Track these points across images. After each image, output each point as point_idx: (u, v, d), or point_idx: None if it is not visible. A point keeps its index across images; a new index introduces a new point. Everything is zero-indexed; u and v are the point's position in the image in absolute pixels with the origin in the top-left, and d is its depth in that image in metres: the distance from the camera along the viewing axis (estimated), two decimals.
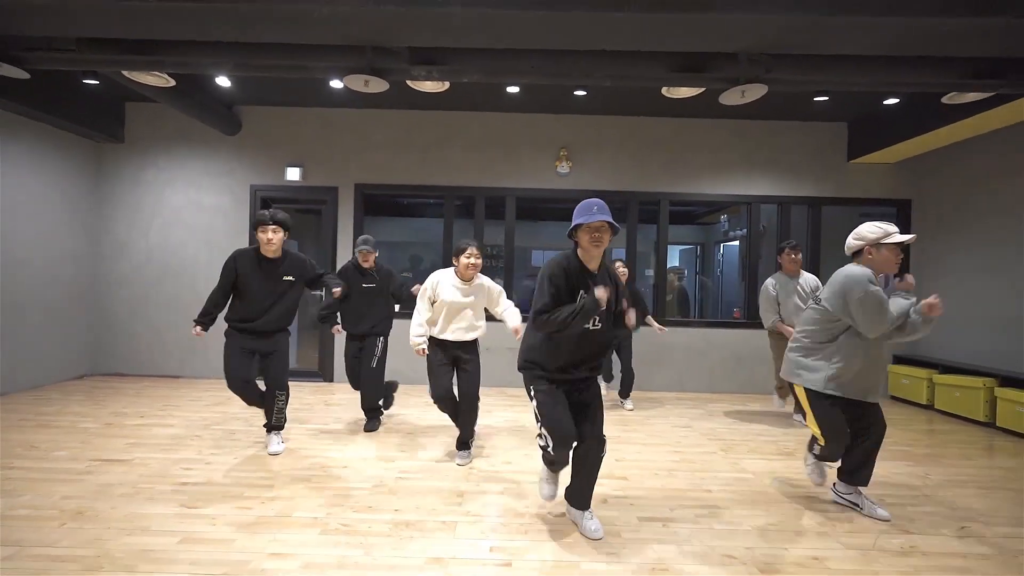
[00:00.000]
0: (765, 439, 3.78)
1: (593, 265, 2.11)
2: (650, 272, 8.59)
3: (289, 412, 4.13)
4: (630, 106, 5.17)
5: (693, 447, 3.54)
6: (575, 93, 3.90)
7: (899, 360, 5.39)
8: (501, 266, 8.07)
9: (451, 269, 3.09)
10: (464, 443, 3.17)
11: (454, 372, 3.11)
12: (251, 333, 3.01)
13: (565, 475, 2.39)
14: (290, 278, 3.05)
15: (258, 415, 4.03)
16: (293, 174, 5.38)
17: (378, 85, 3.29)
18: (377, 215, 8.17)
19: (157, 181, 5.44)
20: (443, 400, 3.04)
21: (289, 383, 3.23)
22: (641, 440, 3.69)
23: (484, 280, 3.14)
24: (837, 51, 3.34)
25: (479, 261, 3.03)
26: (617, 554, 2.09)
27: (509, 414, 4.34)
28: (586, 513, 2.27)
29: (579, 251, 2.11)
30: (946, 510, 2.61)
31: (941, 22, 2.96)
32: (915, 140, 4.58)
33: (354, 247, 3.79)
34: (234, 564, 1.95)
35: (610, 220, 2.00)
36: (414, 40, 3.19)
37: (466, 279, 3.05)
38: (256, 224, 2.97)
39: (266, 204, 5.56)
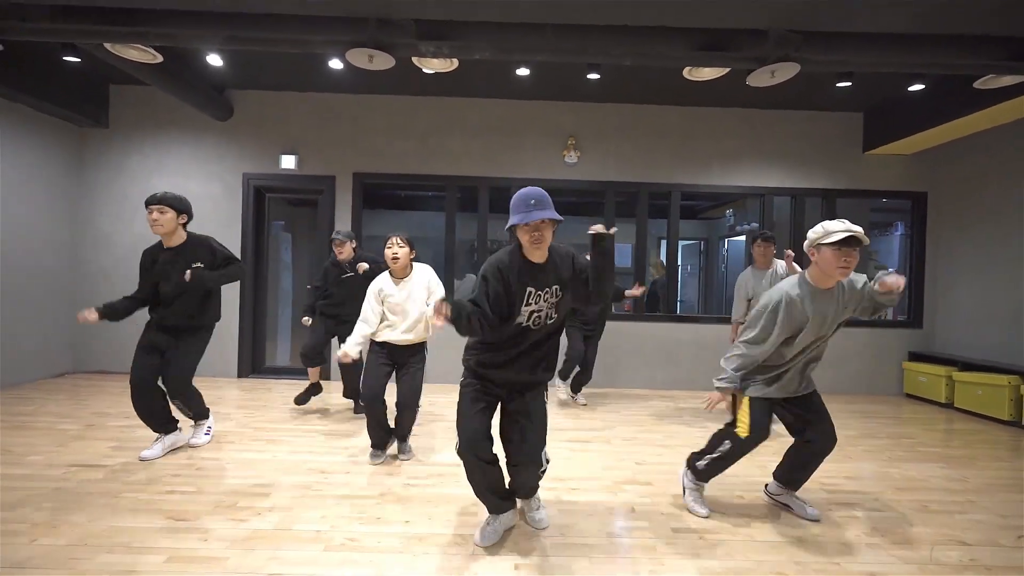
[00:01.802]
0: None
1: (537, 257, 1.90)
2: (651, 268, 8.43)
3: (287, 413, 3.91)
4: (640, 93, 4.97)
5: None
6: (588, 77, 3.68)
7: (915, 357, 5.24)
8: None
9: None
10: (402, 438, 3.01)
11: (391, 374, 2.90)
12: (158, 327, 2.84)
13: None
14: (199, 265, 2.79)
15: (253, 418, 3.80)
16: (288, 162, 5.12)
17: (383, 61, 3.06)
18: (375, 208, 7.91)
19: (143, 169, 5.16)
20: (370, 401, 2.78)
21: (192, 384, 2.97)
22: (659, 441, 3.51)
23: (421, 274, 2.90)
24: (869, 29, 3.15)
25: (400, 251, 2.80)
26: (657, 572, 1.89)
27: None
28: (531, 502, 2.22)
29: (521, 247, 1.90)
30: (996, 517, 2.44)
31: None
32: (938, 129, 4.42)
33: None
34: None
35: (551, 216, 1.80)
36: (421, 13, 2.96)
37: (396, 275, 2.86)
38: (147, 205, 2.74)
39: (260, 193, 5.30)
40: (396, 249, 2.81)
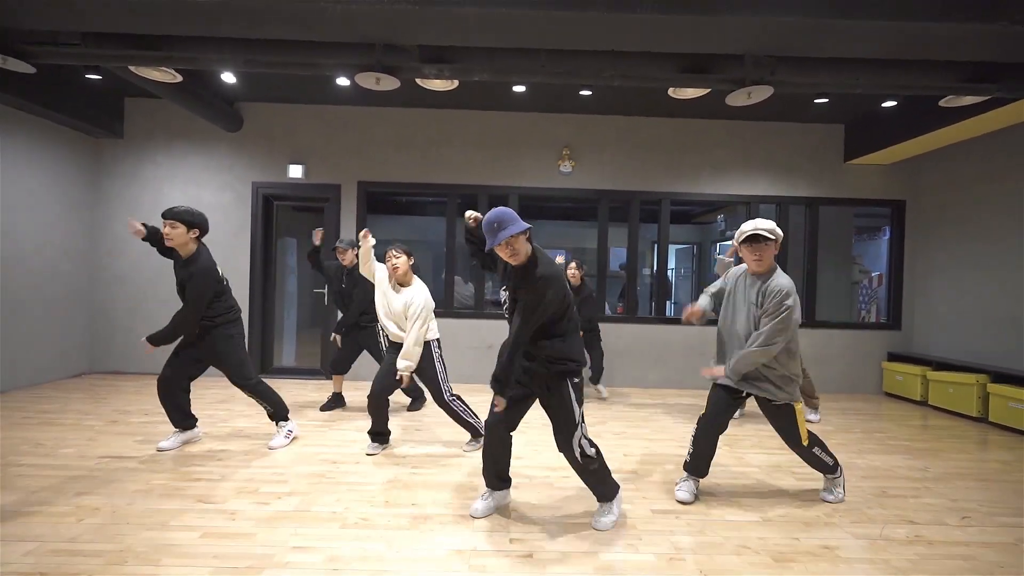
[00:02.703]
0: (765, 434, 3.85)
1: (516, 261, 2.10)
2: (647, 271, 8.70)
3: (297, 411, 4.13)
4: (632, 106, 5.23)
5: None
6: (580, 93, 3.93)
7: (893, 357, 5.50)
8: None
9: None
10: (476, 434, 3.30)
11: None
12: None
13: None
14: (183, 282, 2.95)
15: (265, 416, 4.02)
16: (295, 171, 5.36)
17: (389, 83, 3.31)
18: (376, 213, 8.15)
19: (156, 177, 5.39)
20: (374, 395, 3.07)
21: (258, 379, 3.21)
22: (646, 435, 3.75)
23: (414, 292, 3.06)
24: (839, 54, 3.41)
25: (398, 260, 3.03)
26: (634, 545, 2.13)
27: None
28: (598, 508, 2.35)
29: None
30: (947, 501, 2.69)
31: (940, 27, 3.05)
32: (911, 142, 4.69)
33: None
34: (259, 557, 1.96)
35: (512, 232, 1.97)
36: (425, 39, 3.21)
37: (398, 282, 3.09)
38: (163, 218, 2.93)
39: (268, 201, 5.54)
40: (395, 260, 3.04)
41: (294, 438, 3.35)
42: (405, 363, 2.97)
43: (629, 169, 5.55)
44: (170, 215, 2.87)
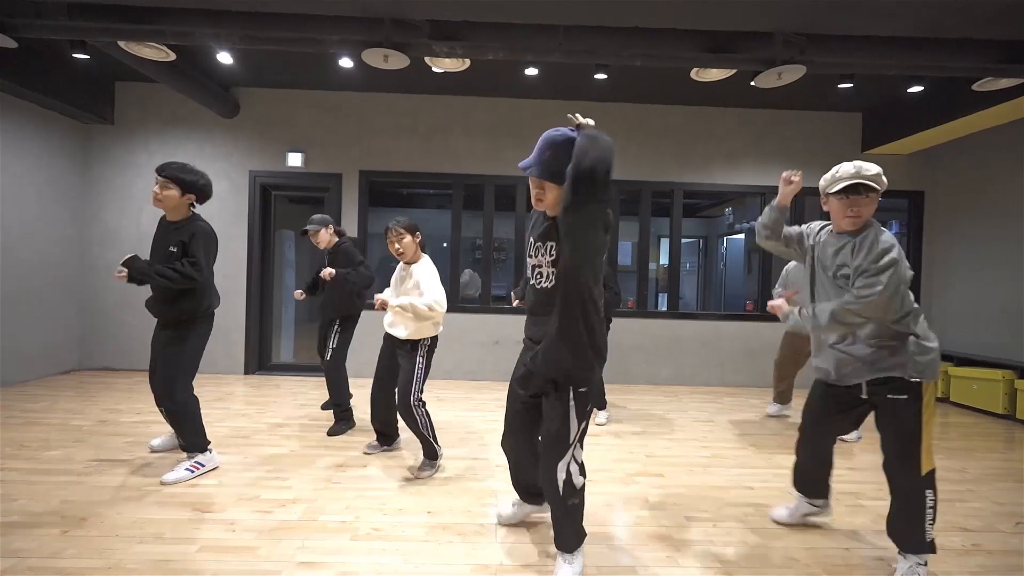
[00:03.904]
0: (791, 433, 3.68)
1: (544, 208, 1.78)
2: (653, 266, 8.51)
3: (297, 409, 3.94)
4: (642, 94, 5.03)
5: (721, 442, 3.43)
6: (595, 77, 3.73)
7: None
8: (504, 259, 7.96)
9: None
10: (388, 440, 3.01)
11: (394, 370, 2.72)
12: (153, 312, 2.54)
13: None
14: (173, 249, 2.42)
15: (264, 414, 3.84)
16: (294, 159, 5.14)
17: (398, 60, 3.10)
18: (377, 205, 7.94)
19: (149, 165, 5.14)
20: (373, 398, 2.85)
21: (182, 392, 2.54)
22: (667, 435, 3.58)
23: (424, 265, 2.69)
24: (872, 32, 3.23)
25: (400, 246, 2.63)
26: (673, 558, 1.96)
27: None
28: (560, 557, 1.80)
29: None
30: (993, 505, 2.54)
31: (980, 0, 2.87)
32: (935, 130, 4.51)
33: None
34: (263, 574, 1.78)
35: (530, 171, 1.69)
36: (436, 13, 3.00)
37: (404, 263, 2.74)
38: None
39: (266, 190, 5.32)
40: (398, 244, 2.64)
41: (203, 472, 2.61)
42: (403, 299, 2.54)
43: (640, 158, 5.36)
44: (165, 172, 2.39)
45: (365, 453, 2.97)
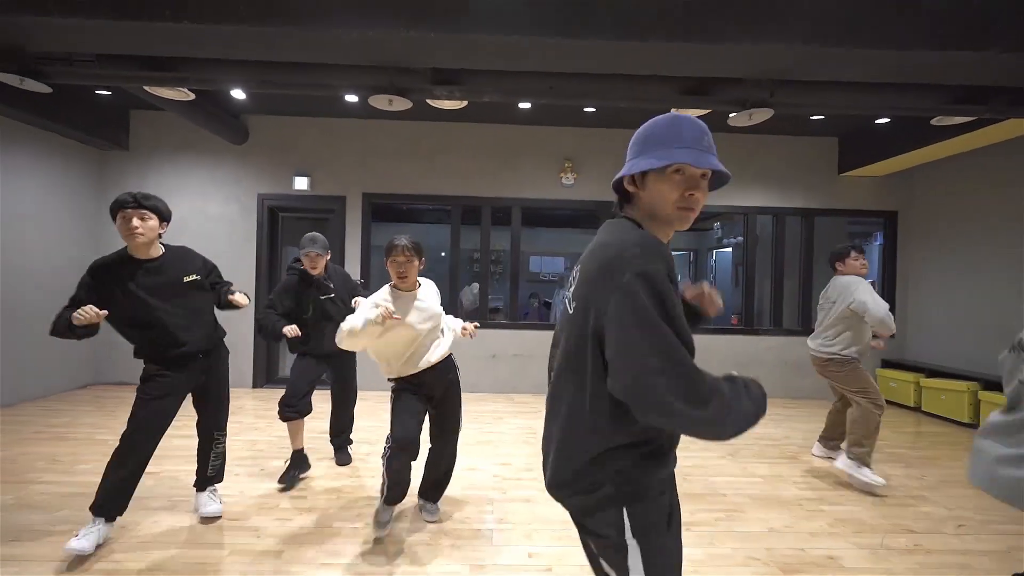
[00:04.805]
0: (766, 443, 3.96)
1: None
2: None
3: (305, 420, 4.17)
4: (632, 120, 5.32)
5: (702, 452, 3.69)
6: (584, 110, 4.03)
7: (887, 364, 5.64)
8: (499, 272, 8.24)
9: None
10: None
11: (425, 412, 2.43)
12: (179, 363, 2.32)
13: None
14: (194, 277, 2.36)
15: (275, 427, 4.08)
16: (301, 183, 5.42)
17: (401, 104, 3.38)
18: (376, 221, 8.22)
19: (161, 189, 5.40)
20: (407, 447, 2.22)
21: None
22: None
23: (429, 286, 2.50)
24: (835, 78, 3.53)
25: (405, 269, 2.28)
26: None
27: (520, 421, 4.45)
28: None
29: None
30: (943, 510, 2.80)
31: (932, 54, 3.18)
32: (903, 156, 4.84)
33: (299, 248, 2.98)
34: (287, 575, 2.03)
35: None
36: (437, 62, 3.29)
37: (402, 290, 2.34)
38: (118, 209, 2.14)
39: (274, 213, 5.59)
40: (404, 266, 2.27)
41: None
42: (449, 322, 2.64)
43: None
44: (149, 202, 2.17)
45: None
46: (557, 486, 1.08)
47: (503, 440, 3.85)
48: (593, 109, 4.02)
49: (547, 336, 5.56)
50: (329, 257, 3.10)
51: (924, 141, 4.48)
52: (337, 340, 2.10)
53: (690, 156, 1.00)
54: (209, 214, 5.41)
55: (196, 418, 2.55)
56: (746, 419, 0.95)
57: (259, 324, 2.95)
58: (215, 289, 2.45)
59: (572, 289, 1.09)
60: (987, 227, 4.82)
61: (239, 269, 5.34)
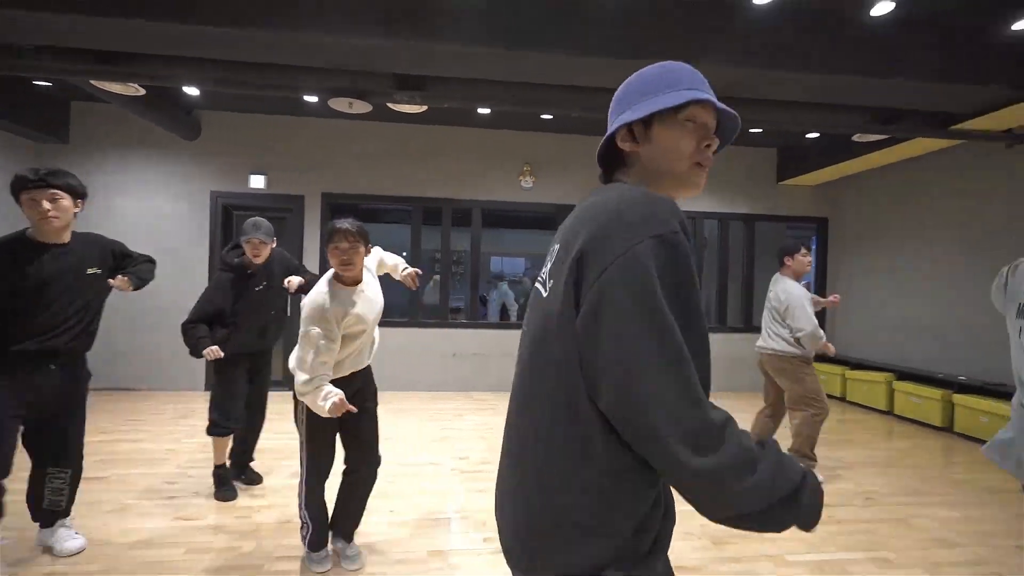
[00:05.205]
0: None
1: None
2: None
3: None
4: (591, 127, 5.57)
5: None
6: (542, 116, 4.21)
7: (818, 358, 6.11)
8: (461, 272, 8.33)
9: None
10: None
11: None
12: (39, 361, 1.95)
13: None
14: (96, 270, 2.11)
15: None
16: (257, 181, 5.33)
17: (362, 107, 3.45)
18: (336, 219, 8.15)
19: (107, 187, 5.20)
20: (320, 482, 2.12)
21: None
22: None
23: (375, 282, 2.16)
24: (772, 96, 3.85)
25: (350, 256, 1.92)
26: None
27: (479, 417, 4.57)
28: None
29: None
30: (854, 486, 3.14)
31: (851, 79, 3.54)
32: (830, 168, 5.30)
33: (239, 235, 2.67)
34: (246, 569, 2.08)
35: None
36: (399, 68, 3.37)
37: (346, 284, 2.00)
38: (20, 189, 1.88)
39: (228, 212, 5.47)
40: (349, 253, 1.91)
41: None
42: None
43: (588, 185, 5.89)
44: (59, 180, 1.91)
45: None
46: (531, 553, 0.77)
47: (462, 436, 3.97)
48: (551, 116, 4.20)
49: (508, 335, 5.72)
50: (275, 245, 2.75)
51: (847, 155, 4.93)
52: (299, 393, 1.88)
53: (712, 96, 0.81)
54: (159, 211, 5.24)
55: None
56: (768, 493, 0.65)
57: (183, 335, 2.60)
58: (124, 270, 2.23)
59: (548, 268, 0.82)
60: (902, 234, 5.34)
61: (192, 268, 5.20)
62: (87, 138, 5.18)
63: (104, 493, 2.75)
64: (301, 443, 2.05)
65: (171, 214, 5.24)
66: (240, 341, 2.67)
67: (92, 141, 5.19)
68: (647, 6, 3.05)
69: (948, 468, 3.60)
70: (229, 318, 2.63)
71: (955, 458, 3.82)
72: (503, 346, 5.62)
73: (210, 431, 2.69)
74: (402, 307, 5.59)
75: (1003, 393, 4.02)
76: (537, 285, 0.85)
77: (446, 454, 3.53)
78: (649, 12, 3.06)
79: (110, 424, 3.99)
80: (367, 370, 2.18)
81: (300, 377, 1.84)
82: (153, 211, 5.23)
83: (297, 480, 2.10)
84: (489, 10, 2.90)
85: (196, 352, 2.54)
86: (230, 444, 2.83)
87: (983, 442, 4.22)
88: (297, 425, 2.06)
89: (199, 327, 2.58)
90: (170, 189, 5.29)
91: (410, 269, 2.38)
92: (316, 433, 2.02)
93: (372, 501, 2.71)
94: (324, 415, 1.81)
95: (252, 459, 3.03)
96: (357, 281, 2.01)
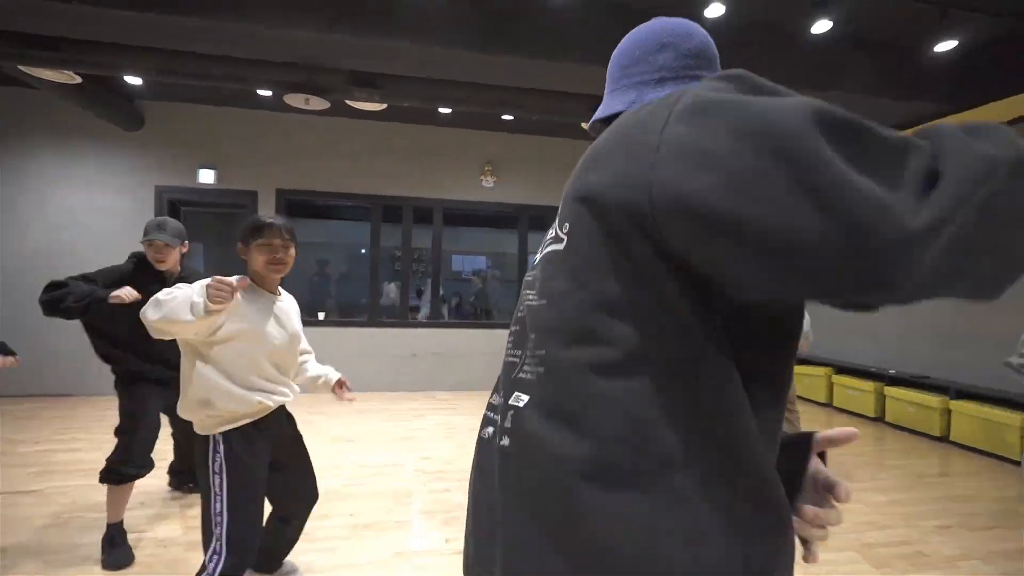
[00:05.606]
0: None
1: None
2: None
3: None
4: (554, 128, 5.64)
5: None
6: (503, 117, 4.23)
7: (800, 362, 6.45)
8: (423, 270, 8.27)
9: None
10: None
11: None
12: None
13: None
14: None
15: (167, 427, 3.86)
16: (207, 176, 5.11)
17: (319, 103, 3.37)
18: (291, 216, 7.89)
19: (41, 177, 4.85)
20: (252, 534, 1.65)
21: None
22: None
23: (286, 298, 1.81)
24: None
25: (287, 253, 1.67)
26: None
27: (440, 417, 4.56)
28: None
29: None
30: None
31: (796, 90, 3.76)
32: None
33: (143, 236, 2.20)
34: None
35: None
36: (357, 65, 3.31)
37: (270, 289, 1.70)
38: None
39: (175, 207, 5.21)
40: (281, 250, 1.63)
41: None
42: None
43: (548, 185, 5.97)
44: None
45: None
46: None
47: (423, 436, 3.96)
48: (511, 117, 4.22)
49: (467, 335, 5.72)
50: (186, 251, 2.32)
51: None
52: (143, 312, 1.40)
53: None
54: (98, 206, 4.94)
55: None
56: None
57: (55, 297, 1.99)
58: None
59: (556, 223, 0.66)
60: None
61: None
62: (18, 126, 4.81)
63: (40, 507, 2.59)
64: (214, 495, 1.56)
65: (111, 208, 4.95)
66: (147, 363, 2.28)
67: (24, 129, 4.83)
68: (603, 10, 3.12)
69: (879, 455, 3.89)
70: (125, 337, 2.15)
71: (886, 446, 4.13)
72: (464, 344, 5.62)
73: (111, 478, 2.16)
74: (361, 307, 5.50)
75: (928, 386, 4.38)
76: (541, 252, 0.70)
77: (409, 454, 3.51)
78: (603, 16, 3.14)
79: (46, 433, 3.74)
80: (285, 414, 1.79)
81: (152, 315, 1.37)
82: (94, 205, 4.93)
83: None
84: (450, 9, 2.89)
85: (93, 298, 2.00)
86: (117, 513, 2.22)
87: (911, 431, 4.57)
88: (207, 475, 1.57)
89: (82, 282, 2.07)
90: (110, 182, 4.99)
91: (347, 383, 1.96)
92: (239, 489, 1.56)
93: (330, 504, 2.69)
94: (206, 311, 1.34)
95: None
96: (275, 290, 1.71)
